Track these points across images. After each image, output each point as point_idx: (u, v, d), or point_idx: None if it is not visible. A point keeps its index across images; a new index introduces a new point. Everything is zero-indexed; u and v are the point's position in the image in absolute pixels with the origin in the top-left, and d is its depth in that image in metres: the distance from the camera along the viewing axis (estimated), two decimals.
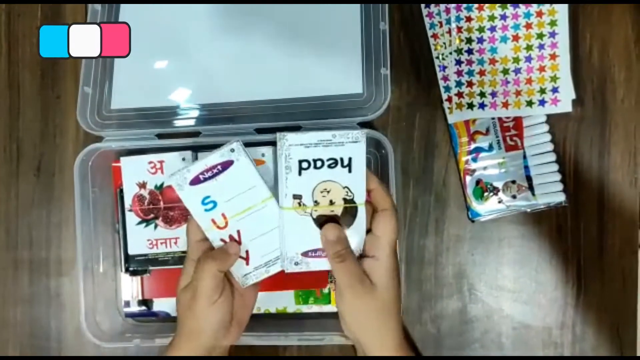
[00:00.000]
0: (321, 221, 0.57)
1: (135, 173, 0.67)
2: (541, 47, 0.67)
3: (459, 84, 0.69)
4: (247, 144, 0.65)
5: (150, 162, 0.66)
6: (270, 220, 0.56)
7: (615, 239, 0.66)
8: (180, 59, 0.71)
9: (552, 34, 0.67)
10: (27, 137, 0.75)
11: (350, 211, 0.57)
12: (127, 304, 0.71)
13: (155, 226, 0.67)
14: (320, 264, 0.58)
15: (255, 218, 0.56)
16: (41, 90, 0.75)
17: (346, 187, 0.56)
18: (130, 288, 0.70)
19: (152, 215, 0.67)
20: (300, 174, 0.56)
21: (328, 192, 0.56)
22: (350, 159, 0.56)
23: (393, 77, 0.66)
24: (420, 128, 0.70)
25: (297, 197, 0.56)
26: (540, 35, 0.67)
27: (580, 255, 0.67)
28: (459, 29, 0.69)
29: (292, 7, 0.71)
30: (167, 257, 0.67)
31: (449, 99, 0.69)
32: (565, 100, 0.67)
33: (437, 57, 0.70)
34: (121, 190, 0.68)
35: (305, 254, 0.58)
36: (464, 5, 0.69)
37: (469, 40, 0.69)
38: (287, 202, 0.56)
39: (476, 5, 0.69)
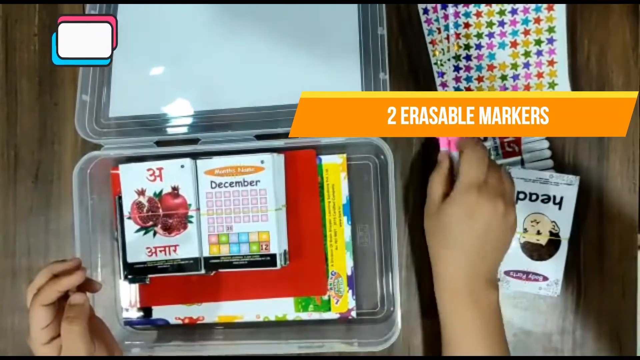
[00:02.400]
0: (527, 247, 0.64)
1: (134, 180, 0.67)
2: (539, 53, 0.68)
3: (457, 90, 0.69)
4: (247, 151, 0.66)
5: (149, 170, 0.66)
6: None
7: (614, 244, 0.66)
8: (179, 65, 0.71)
9: (550, 41, 0.67)
10: (25, 144, 0.75)
11: (554, 243, 0.64)
12: (126, 311, 0.70)
13: (154, 234, 0.67)
14: (520, 285, 0.64)
15: None
16: (39, 97, 0.75)
17: (554, 221, 0.63)
18: (129, 296, 0.70)
19: (151, 223, 0.67)
20: (516, 202, 0.63)
21: (537, 223, 0.64)
22: (562, 198, 0.63)
23: (392, 83, 0.66)
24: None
25: None
26: (538, 42, 0.68)
27: (580, 260, 0.67)
28: (457, 36, 0.69)
29: (290, 13, 0.70)
30: (166, 264, 0.67)
31: None
32: None
33: (436, 64, 0.70)
34: (120, 198, 0.68)
35: (507, 273, 0.64)
36: (462, 11, 0.69)
37: (467, 47, 0.69)
38: None
39: (474, 11, 0.69)
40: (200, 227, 0.66)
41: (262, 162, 0.65)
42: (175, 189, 0.66)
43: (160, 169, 0.66)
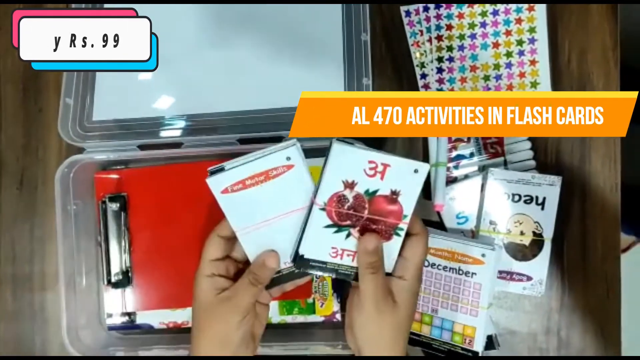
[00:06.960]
0: (510, 247, 0.65)
1: (347, 169, 0.55)
2: (521, 53, 0.68)
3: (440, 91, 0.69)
4: (231, 155, 0.65)
5: (371, 162, 0.55)
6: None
7: (597, 243, 0.67)
8: (162, 70, 0.70)
9: (532, 40, 0.68)
10: (9, 151, 0.75)
11: (537, 243, 0.64)
12: (110, 316, 0.70)
13: (348, 235, 0.56)
14: (504, 285, 0.65)
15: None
16: (23, 103, 0.75)
17: (537, 222, 0.64)
18: (113, 301, 0.70)
19: (348, 222, 0.55)
20: (499, 204, 0.64)
21: (520, 223, 0.64)
22: (544, 199, 0.64)
23: (375, 86, 0.66)
24: (404, 137, 0.70)
25: (492, 223, 0.65)
26: (520, 42, 0.68)
27: (564, 260, 0.67)
28: (440, 37, 0.70)
29: (275, 19, 0.71)
30: (348, 271, 0.56)
31: None
32: None
33: (418, 66, 0.70)
34: (103, 202, 0.67)
35: None
36: (445, 14, 0.69)
37: (450, 48, 0.69)
38: (484, 225, 0.65)
39: (456, 13, 0.69)
40: None
41: (483, 255, 0.63)
42: (395, 193, 0.55)
43: (385, 166, 0.54)
